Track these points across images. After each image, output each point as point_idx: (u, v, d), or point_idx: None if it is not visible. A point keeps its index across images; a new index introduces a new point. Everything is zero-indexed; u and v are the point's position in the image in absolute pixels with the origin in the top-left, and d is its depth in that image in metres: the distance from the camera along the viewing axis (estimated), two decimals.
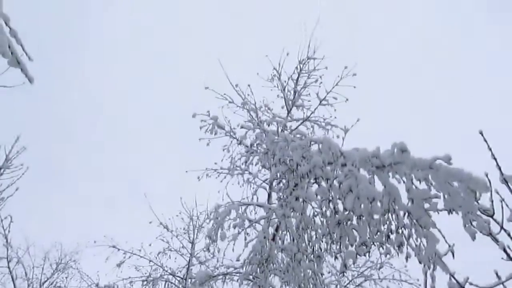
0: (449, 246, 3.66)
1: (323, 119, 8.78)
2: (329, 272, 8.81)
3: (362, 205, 3.61)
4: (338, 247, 4.31)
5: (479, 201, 3.62)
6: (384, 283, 9.40)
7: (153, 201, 11.01)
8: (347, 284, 9.61)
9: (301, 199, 4.50)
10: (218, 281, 7.14)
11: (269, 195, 7.90)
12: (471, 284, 3.66)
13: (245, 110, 8.62)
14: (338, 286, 8.52)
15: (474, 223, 3.52)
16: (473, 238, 3.42)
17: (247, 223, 6.56)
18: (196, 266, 10.38)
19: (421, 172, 3.66)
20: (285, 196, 4.68)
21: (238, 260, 5.93)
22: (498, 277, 3.64)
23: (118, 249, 10.50)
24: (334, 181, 4.01)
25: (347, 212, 3.97)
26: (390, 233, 3.86)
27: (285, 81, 9.08)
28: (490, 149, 3.73)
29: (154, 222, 11.01)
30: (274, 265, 6.09)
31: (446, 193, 3.53)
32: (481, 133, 3.85)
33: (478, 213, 3.62)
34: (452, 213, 3.60)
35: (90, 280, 11.43)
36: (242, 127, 7.83)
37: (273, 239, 6.20)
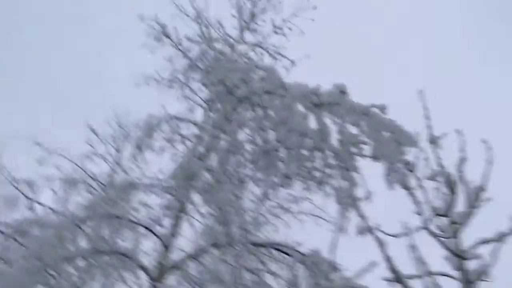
0: (369, 192, 3.76)
1: (274, 48, 8.55)
2: (250, 200, 8.96)
3: (293, 138, 3.59)
4: (262, 175, 4.34)
5: (404, 154, 3.71)
6: (301, 217, 9.72)
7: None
8: (265, 213, 9.89)
9: (234, 123, 4.43)
10: (140, 191, 7.09)
11: (206, 114, 7.76)
12: (380, 231, 3.81)
13: (196, 24, 8.25)
14: (256, 214, 8.69)
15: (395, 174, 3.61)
16: (391, 187, 3.53)
17: (178, 138, 6.46)
18: (120, 174, 10.23)
19: (356, 116, 3.66)
20: (219, 117, 4.59)
21: (162, 172, 5.89)
22: (407, 228, 3.81)
23: (41, 146, 10.10)
24: (271, 110, 3.95)
25: (276, 143, 3.95)
26: (315, 170, 3.90)
27: (243, 1, 8.70)
28: (426, 109, 3.77)
29: (82, 124, 10.61)
30: (198, 184, 6.09)
31: (376, 141, 3.58)
32: (420, 92, 3.87)
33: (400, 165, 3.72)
34: (377, 160, 3.67)
35: (7, 172, 10.96)
36: (188, 39, 7.51)
37: (201, 158, 6.15)
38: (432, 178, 3.76)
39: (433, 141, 3.66)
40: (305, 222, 9.57)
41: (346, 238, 3.90)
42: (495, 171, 3.58)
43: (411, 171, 3.79)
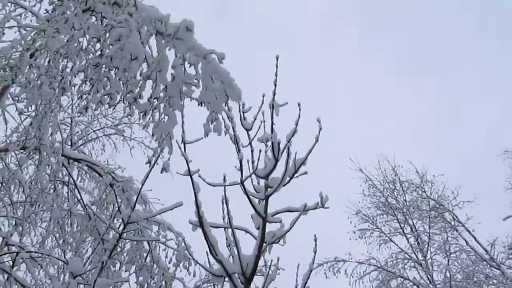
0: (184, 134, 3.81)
1: None
2: (79, 114, 8.53)
3: (123, 58, 3.45)
4: (89, 89, 4.12)
5: (229, 107, 3.81)
6: (133, 143, 9.69)
7: None
8: (97, 129, 9.65)
9: (72, 24, 4.11)
10: None
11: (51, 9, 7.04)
12: (199, 176, 3.89)
13: None
14: (73, 123, 8.31)
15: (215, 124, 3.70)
16: (206, 135, 3.61)
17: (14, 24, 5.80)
18: None
19: (194, 57, 3.64)
20: (59, 17, 4.21)
21: None
22: (224, 179, 3.95)
23: None
24: (112, 22, 3.72)
25: (108, 59, 3.76)
26: (140, 97, 3.82)
27: None
28: (276, 75, 3.88)
29: None
30: (21, 78, 5.59)
31: (205, 87, 3.61)
32: (277, 57, 3.96)
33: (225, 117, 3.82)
34: (202, 105, 3.71)
35: None
36: None
37: (32, 55, 5.62)
38: (262, 140, 3.94)
39: (273, 106, 3.82)
40: (134, 148, 9.55)
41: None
42: (320, 149, 3.89)
43: (247, 130, 3.92)
